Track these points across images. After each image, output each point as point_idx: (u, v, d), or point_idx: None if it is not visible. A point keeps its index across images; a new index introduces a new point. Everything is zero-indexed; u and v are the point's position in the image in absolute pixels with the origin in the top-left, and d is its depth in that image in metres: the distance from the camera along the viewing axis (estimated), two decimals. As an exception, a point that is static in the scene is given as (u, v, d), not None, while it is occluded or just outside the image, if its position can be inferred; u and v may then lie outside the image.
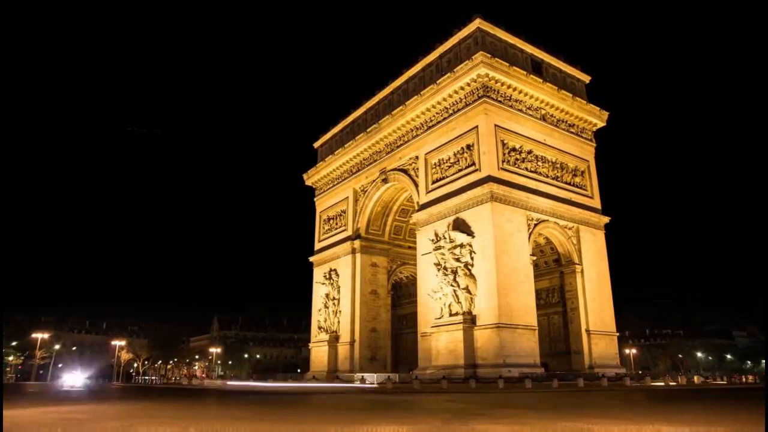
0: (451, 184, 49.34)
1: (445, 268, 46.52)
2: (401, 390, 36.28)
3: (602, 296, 50.75)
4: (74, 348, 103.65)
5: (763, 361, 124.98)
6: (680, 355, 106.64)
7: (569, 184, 52.25)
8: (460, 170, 48.88)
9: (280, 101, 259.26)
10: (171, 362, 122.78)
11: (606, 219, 53.52)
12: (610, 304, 51.18)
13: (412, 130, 55.82)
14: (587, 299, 49.22)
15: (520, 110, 50.21)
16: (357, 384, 45.54)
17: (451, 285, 45.22)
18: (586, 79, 58.08)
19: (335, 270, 64.80)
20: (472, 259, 45.04)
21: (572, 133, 54.51)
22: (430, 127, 53.38)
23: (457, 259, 45.75)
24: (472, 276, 44.64)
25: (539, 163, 50.25)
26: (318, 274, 68.09)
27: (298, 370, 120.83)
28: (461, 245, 45.91)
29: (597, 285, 50.68)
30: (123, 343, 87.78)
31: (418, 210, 52.34)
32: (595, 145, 56.50)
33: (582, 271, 49.96)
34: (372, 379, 44.02)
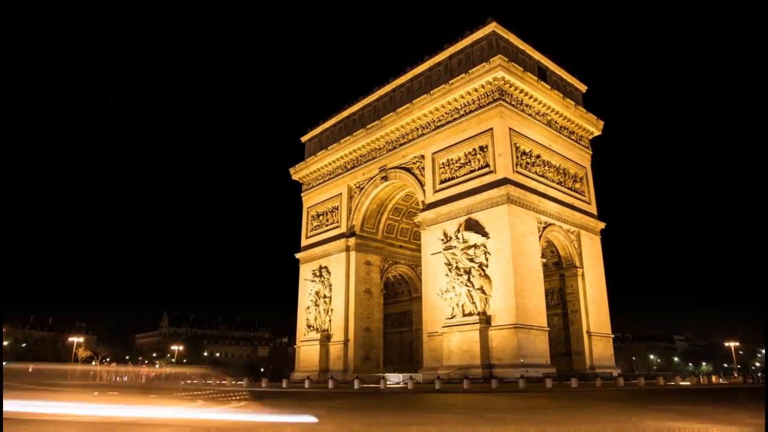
0: (462, 185, 49.44)
1: (458, 268, 46.52)
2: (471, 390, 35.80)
3: (600, 299, 52.54)
4: (24, 345, 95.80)
5: (704, 363, 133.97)
6: (633, 357, 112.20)
7: (571, 189, 53.75)
8: (472, 171, 49.11)
9: (262, 91, 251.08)
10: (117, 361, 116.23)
11: (602, 224, 55.45)
12: (606, 307, 53.02)
13: (418, 129, 55.55)
14: (588, 301, 50.79)
15: (530, 115, 51.15)
16: (389, 384, 44.14)
17: (466, 285, 45.28)
18: (582, 88, 59.95)
19: (326, 267, 63.44)
20: (486, 259, 45.28)
21: (572, 140, 56.12)
22: (438, 127, 53.28)
23: (471, 260, 45.88)
24: (486, 276, 44.88)
25: (546, 168, 51.36)
26: (306, 271, 66.44)
27: (262, 369, 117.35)
28: (475, 246, 46.07)
29: (596, 288, 52.40)
30: (81, 339, 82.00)
31: (425, 209, 52.10)
32: (591, 152, 58.42)
33: (583, 275, 51.50)
34: (398, 379, 43.24)
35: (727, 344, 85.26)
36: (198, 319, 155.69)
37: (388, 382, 41.75)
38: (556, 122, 54.15)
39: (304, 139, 73.71)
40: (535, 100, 51.40)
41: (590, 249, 53.24)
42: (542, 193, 49.04)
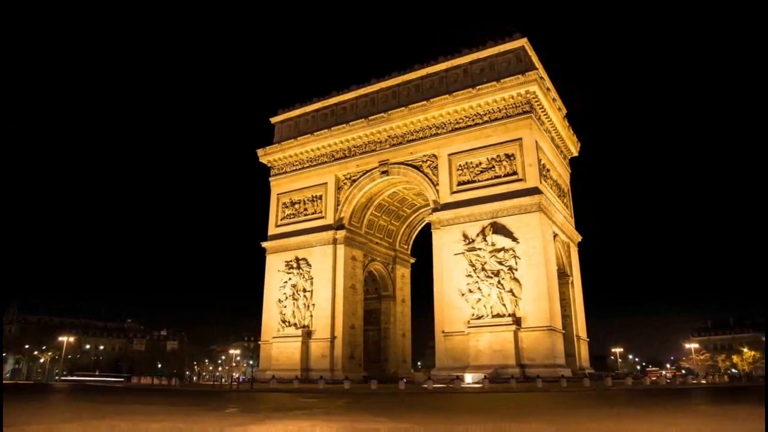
0: (485, 189, 50.61)
1: (485, 270, 47.58)
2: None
3: (582, 306, 57.50)
4: None
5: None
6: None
7: (564, 203, 58.12)
8: (497, 177, 50.57)
9: (220, 61, 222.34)
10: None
11: (580, 237, 60.74)
12: (584, 314, 58.16)
13: (431, 128, 55.45)
14: (576, 308, 55.33)
15: (544, 131, 54.31)
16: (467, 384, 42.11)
17: (497, 287, 46.52)
18: (564, 110, 65.08)
19: (305, 259, 59.94)
20: (516, 263, 46.98)
21: (561, 158, 60.72)
22: (456, 129, 53.83)
23: (500, 263, 47.24)
24: (516, 280, 46.56)
25: (552, 182, 54.93)
26: (277, 261, 61.92)
27: (159, 365, 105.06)
28: (503, 249, 47.54)
29: (580, 296, 57.28)
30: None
31: (440, 209, 52.22)
32: (570, 171, 63.71)
33: (572, 283, 56.00)
34: (478, 378, 42.21)
35: (614, 350, 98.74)
36: (56, 306, 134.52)
37: (466, 382, 41.06)
38: (554, 140, 58.16)
39: (274, 120, 68.69)
40: (548, 117, 54.69)
41: (575, 260, 58.13)
42: (554, 205, 52.40)
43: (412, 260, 72.69)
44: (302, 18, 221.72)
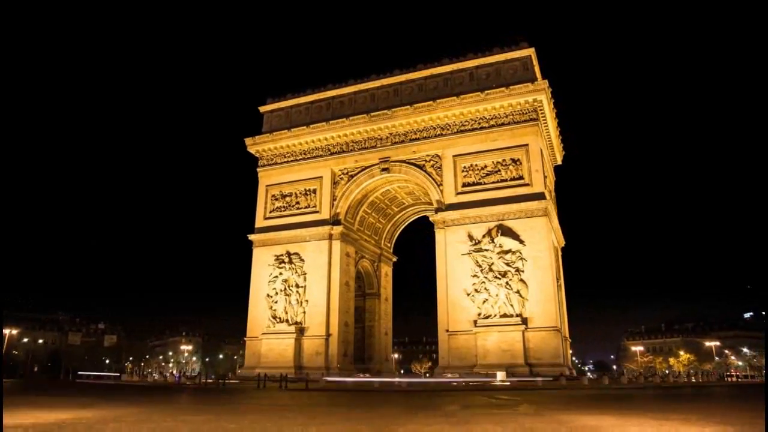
0: (492, 192, 51.70)
1: (492, 271, 48.62)
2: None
3: (565, 308, 59.97)
4: None
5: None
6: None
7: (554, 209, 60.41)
8: (503, 180, 51.81)
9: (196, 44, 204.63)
10: None
11: (564, 242, 63.32)
12: (566, 315, 60.74)
13: (436, 128, 55.86)
14: (563, 310, 57.62)
15: (543, 138, 56.22)
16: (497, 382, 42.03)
17: (505, 288, 47.66)
18: (557, 119, 67.61)
19: (297, 254, 58.47)
20: (522, 265, 48.33)
21: (550, 165, 63.10)
22: (462, 131, 54.58)
23: (508, 264, 48.45)
24: (523, 281, 47.92)
25: (548, 188, 56.93)
26: (266, 255, 59.96)
27: (107, 363, 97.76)
28: (510, 251, 48.80)
29: (564, 298, 59.69)
30: None
31: (445, 210, 52.75)
32: (555, 179, 66.28)
33: (561, 286, 58.28)
34: (502, 376, 42.41)
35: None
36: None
37: (497, 381, 41.43)
38: (547, 147, 60.32)
39: (263, 109, 66.45)
40: (546, 125, 56.68)
41: (561, 264, 60.54)
42: (553, 210, 54.42)
43: (395, 259, 72.86)
44: (299, 8, 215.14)
